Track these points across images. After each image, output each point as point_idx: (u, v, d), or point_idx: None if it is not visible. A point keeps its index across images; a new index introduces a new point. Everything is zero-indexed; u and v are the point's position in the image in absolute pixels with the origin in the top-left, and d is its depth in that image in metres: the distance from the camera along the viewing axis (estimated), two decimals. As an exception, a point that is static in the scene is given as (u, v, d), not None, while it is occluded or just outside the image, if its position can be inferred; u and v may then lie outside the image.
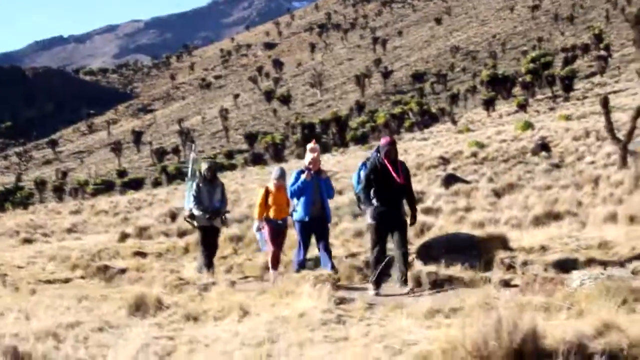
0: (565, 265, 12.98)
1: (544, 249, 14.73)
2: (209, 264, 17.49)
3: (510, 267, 13.66)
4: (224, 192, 18.41)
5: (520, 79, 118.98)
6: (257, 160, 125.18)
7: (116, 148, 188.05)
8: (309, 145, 16.00)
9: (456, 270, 13.44)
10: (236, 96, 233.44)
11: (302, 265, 15.51)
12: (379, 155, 13.71)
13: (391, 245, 13.69)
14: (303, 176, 15.45)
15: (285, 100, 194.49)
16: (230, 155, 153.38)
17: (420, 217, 17.56)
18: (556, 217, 21.60)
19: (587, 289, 9.94)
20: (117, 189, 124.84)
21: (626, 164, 32.56)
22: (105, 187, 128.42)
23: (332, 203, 17.68)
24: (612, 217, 19.46)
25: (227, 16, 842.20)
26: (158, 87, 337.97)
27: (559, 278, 11.55)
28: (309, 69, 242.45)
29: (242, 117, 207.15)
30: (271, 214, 16.60)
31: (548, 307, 8.15)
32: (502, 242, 15.14)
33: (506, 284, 12.46)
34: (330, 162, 66.83)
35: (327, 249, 15.45)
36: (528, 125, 64.12)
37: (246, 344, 7.62)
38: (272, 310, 9.41)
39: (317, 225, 15.53)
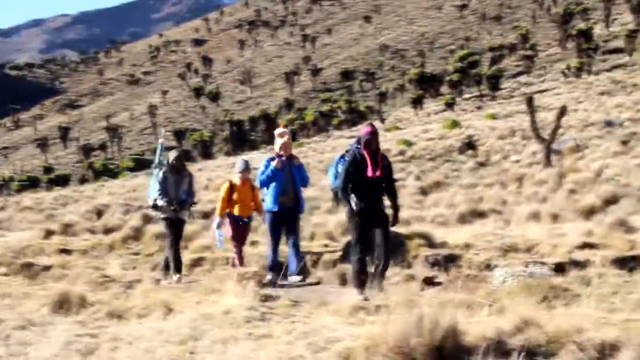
0: (489, 263, 13.15)
1: (468, 246, 14.90)
2: (176, 262, 15.79)
3: (434, 264, 13.80)
4: (192, 184, 16.79)
5: (447, 78, 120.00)
6: (185, 157, 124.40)
7: (42, 144, 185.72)
8: (278, 130, 14.82)
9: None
10: (165, 92, 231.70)
11: (275, 264, 14.15)
12: (359, 146, 12.50)
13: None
14: (273, 164, 14.25)
15: (214, 97, 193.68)
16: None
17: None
18: (481, 215, 21.91)
19: (509, 286, 10.12)
20: (43, 186, 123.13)
21: (550, 162, 33.04)
22: (30, 184, 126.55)
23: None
24: (536, 216, 19.76)
25: (156, 12, 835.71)
26: (85, 82, 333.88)
27: (482, 276, 11.73)
28: (238, 66, 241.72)
29: (171, 113, 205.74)
30: (236, 210, 15.45)
31: (470, 305, 8.25)
32: (427, 240, 15.28)
33: (430, 281, 12.59)
34: (257, 159, 66.66)
35: (296, 245, 14.25)
36: (455, 124, 64.76)
37: (170, 341, 7.59)
38: (197, 308, 9.36)
39: (288, 217, 14.31)
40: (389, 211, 12.39)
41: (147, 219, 23.94)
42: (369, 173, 12.12)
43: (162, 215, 16.22)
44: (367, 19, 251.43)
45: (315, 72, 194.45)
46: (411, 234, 15.50)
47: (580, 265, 12.38)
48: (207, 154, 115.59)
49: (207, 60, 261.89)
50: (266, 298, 10.43)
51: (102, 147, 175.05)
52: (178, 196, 16.13)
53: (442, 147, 50.44)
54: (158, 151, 17.01)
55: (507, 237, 15.49)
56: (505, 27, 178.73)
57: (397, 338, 5.88)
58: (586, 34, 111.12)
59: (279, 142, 14.52)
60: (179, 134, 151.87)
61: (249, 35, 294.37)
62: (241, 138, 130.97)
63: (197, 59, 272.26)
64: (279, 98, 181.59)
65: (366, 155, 12.18)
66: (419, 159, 45.89)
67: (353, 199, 12.15)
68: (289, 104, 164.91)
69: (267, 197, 14.37)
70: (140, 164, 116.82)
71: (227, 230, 15.57)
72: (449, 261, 13.75)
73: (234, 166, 17.14)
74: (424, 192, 30.25)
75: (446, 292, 10.05)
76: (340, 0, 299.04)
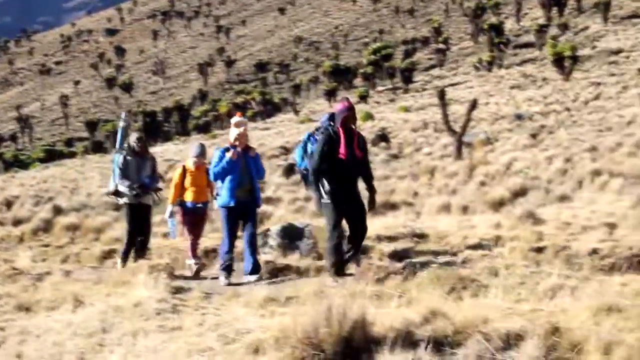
0: (400, 255, 13.26)
1: (380, 238, 14.99)
2: (129, 250, 15.27)
3: (346, 256, 13.84)
4: (155, 167, 16.07)
5: (361, 71, 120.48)
6: (97, 148, 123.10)
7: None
8: (234, 119, 13.78)
9: (293, 259, 13.58)
10: (77, 83, 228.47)
11: (229, 261, 13.06)
12: (332, 123, 11.83)
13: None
14: (228, 155, 13.20)
15: (127, 87, 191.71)
16: (69, 143, 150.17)
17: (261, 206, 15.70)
18: (393, 206, 22.07)
19: (419, 277, 10.21)
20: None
21: (461, 155, 33.42)
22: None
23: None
24: (446, 207, 20.01)
25: (68, 1, 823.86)
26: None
27: (392, 267, 11.80)
28: (152, 57, 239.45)
29: (83, 104, 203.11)
30: (188, 196, 14.85)
31: (380, 296, 8.32)
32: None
33: (341, 272, 12.64)
34: (171, 150, 66.29)
35: (253, 242, 13.17)
36: (368, 116, 65.11)
37: (79, 334, 7.52)
38: (107, 300, 9.28)
39: (244, 212, 13.30)
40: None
41: (57, 211, 23.66)
42: (343, 153, 11.54)
43: (124, 201, 15.51)
44: (282, 10, 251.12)
45: (230, 63, 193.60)
46: (324, 226, 15.55)
47: (488, 256, 12.55)
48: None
49: (120, 51, 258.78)
50: (177, 290, 10.38)
51: (13, 137, 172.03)
52: (140, 180, 15.42)
53: (357, 139, 50.55)
54: (119, 135, 16.24)
55: (418, 229, 15.63)
56: (418, 21, 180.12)
57: (307, 329, 5.90)
58: (498, 29, 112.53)
59: (234, 132, 13.58)
60: (91, 125, 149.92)
61: (162, 26, 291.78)
62: (155, 129, 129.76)
63: (110, 49, 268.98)
64: (192, 89, 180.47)
65: (342, 133, 11.59)
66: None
67: (325, 185, 11.62)
68: (202, 95, 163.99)
69: (222, 191, 13.34)
70: (52, 155, 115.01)
71: (180, 218, 15.09)
72: (361, 252, 13.81)
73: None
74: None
75: (357, 283, 10.09)
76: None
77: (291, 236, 14.67)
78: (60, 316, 8.57)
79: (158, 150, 69.98)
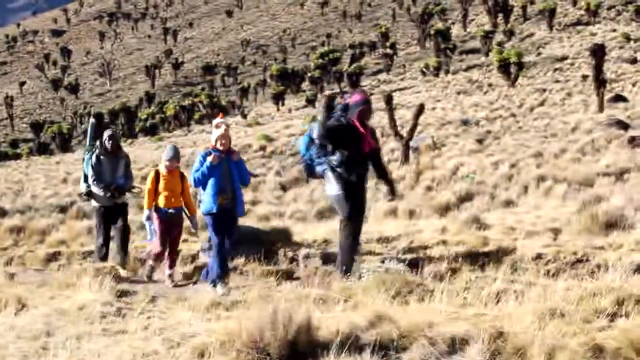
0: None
1: (326, 242, 15.00)
2: (100, 251, 14.62)
3: (292, 260, 13.86)
4: (129, 166, 15.33)
5: (309, 74, 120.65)
6: (42, 150, 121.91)
7: None
8: (215, 120, 12.98)
9: (240, 262, 13.55)
10: (22, 84, 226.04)
11: (224, 273, 12.28)
12: (345, 114, 11.30)
13: None
14: (209, 159, 12.39)
15: (73, 89, 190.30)
16: (15, 144, 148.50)
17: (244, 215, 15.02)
18: (340, 211, 22.01)
19: (365, 281, 10.23)
20: None
21: (408, 160, 33.56)
22: None
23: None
24: (393, 212, 20.01)
25: (13, 1, 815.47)
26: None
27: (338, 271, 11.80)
28: (98, 58, 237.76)
29: (28, 105, 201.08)
30: (161, 201, 13.89)
31: (326, 300, 8.32)
32: (286, 236, 15.34)
33: (288, 276, 12.65)
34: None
35: (229, 252, 12.76)
36: (315, 120, 65.13)
37: (22, 337, 7.42)
38: (51, 303, 9.19)
39: (225, 220, 12.60)
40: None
41: (1, 213, 23.36)
42: (369, 144, 11.22)
43: (97, 204, 14.79)
44: (229, 13, 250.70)
45: (177, 65, 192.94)
46: (270, 229, 15.53)
47: (434, 260, 12.62)
48: (65, 147, 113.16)
49: (66, 52, 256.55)
50: (123, 293, 10.31)
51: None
52: (115, 180, 14.79)
53: (302, 143, 50.65)
54: (89, 132, 15.53)
55: (364, 233, 15.64)
56: (365, 25, 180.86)
57: (252, 333, 5.89)
58: (444, 34, 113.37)
59: (215, 133, 12.78)
60: (37, 127, 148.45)
61: (109, 27, 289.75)
62: (101, 131, 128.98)
63: (55, 50, 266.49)
64: (139, 91, 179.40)
65: (358, 126, 11.19)
66: (280, 155, 46.02)
67: (336, 177, 11.19)
68: (149, 98, 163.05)
69: (205, 197, 12.60)
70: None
71: (156, 224, 14.13)
72: (308, 257, 13.81)
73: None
74: (283, 187, 30.37)
75: (303, 287, 10.08)
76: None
77: (239, 240, 14.63)
78: (3, 319, 8.45)
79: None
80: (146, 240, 15.54)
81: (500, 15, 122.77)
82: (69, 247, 16.78)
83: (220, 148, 12.65)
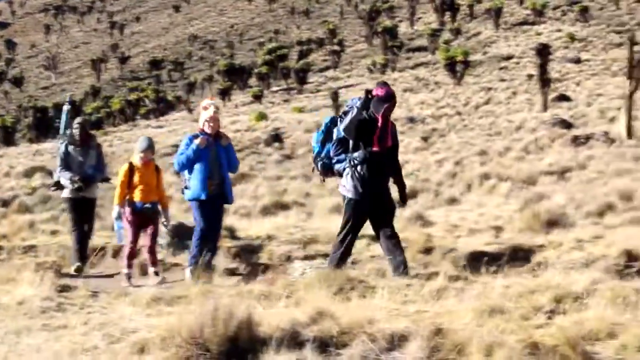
0: (289, 255, 13.31)
1: (270, 238, 15.03)
2: (79, 249, 13.74)
3: (236, 255, 13.84)
4: (101, 157, 14.41)
5: (256, 70, 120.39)
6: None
7: None
8: (204, 101, 12.50)
9: (183, 258, 13.51)
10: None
11: (199, 256, 11.63)
12: (367, 110, 10.53)
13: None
14: (197, 141, 11.84)
15: (18, 82, 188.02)
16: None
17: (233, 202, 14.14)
18: (284, 207, 22.12)
19: (308, 278, 10.24)
20: None
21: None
22: None
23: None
24: (337, 208, 20.04)
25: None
26: None
27: (282, 267, 11.84)
28: (44, 51, 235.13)
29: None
30: (136, 196, 13.11)
31: (268, 296, 8.32)
32: (230, 231, 15.32)
33: (232, 272, 12.64)
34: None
35: (215, 244, 12.28)
36: (262, 116, 65.18)
37: (-41, 332, 7.36)
38: (-10, 299, 9.09)
39: (212, 208, 12.07)
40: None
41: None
42: (382, 144, 10.47)
43: (65, 195, 13.97)
44: (177, 8, 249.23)
45: (123, 60, 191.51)
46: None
47: (377, 257, 12.67)
48: (9, 141, 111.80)
49: (10, 44, 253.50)
50: (64, 288, 10.21)
51: None
52: (84, 172, 13.85)
53: (249, 138, 50.71)
54: (62, 121, 14.67)
55: (309, 230, 15.69)
56: (313, 22, 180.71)
57: (192, 329, 5.87)
58: (392, 32, 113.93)
59: (204, 115, 12.22)
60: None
61: (54, 20, 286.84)
62: (46, 125, 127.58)
63: (0, 42, 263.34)
64: (85, 85, 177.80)
65: (380, 121, 10.45)
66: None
67: (350, 178, 10.40)
68: (95, 92, 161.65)
69: (192, 182, 11.99)
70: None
71: (126, 221, 13.28)
72: (251, 252, 13.81)
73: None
74: (229, 183, 30.31)
75: (246, 283, 10.08)
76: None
77: (181, 235, 14.60)
78: (-60, 314, 8.36)
79: (48, 146, 68.77)
80: (119, 241, 14.15)
81: (448, 14, 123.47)
82: (10, 242, 16.52)
83: (209, 131, 12.12)
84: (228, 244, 14.40)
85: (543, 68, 51.14)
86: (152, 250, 13.14)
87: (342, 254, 10.62)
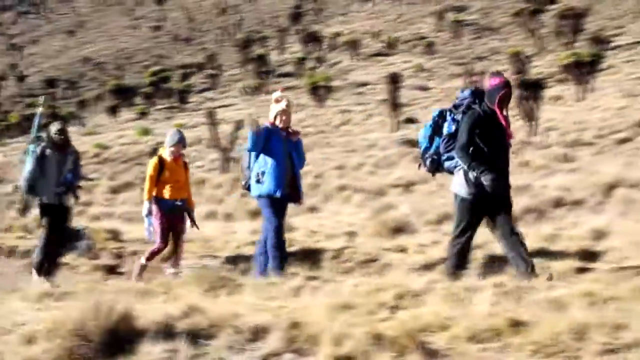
0: (167, 256, 13.22)
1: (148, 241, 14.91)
2: (49, 261, 11.83)
3: (119, 256, 13.69)
4: (78, 162, 12.44)
5: (142, 90, 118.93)
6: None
7: None
8: (276, 94, 10.54)
9: (71, 258, 13.29)
10: None
11: (282, 258, 10.21)
12: (483, 102, 8.95)
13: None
14: (254, 130, 9.96)
15: None
16: None
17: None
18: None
19: (183, 277, 10.20)
20: None
21: (227, 169, 33.59)
22: None
23: None
24: (213, 215, 20.04)
25: None
26: None
27: (160, 267, 11.75)
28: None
29: None
30: (166, 192, 11.71)
31: (147, 293, 8.26)
32: (114, 234, 15.17)
33: (115, 271, 12.50)
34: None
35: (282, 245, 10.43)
36: (146, 131, 64.50)
37: None
38: None
39: (282, 205, 10.37)
40: None
41: None
42: (508, 134, 9.00)
43: (41, 201, 11.96)
44: (71, 32, 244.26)
45: (21, 78, 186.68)
46: (99, 228, 15.31)
47: (247, 258, 12.71)
48: None
49: None
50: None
51: None
52: (63, 177, 11.98)
53: (134, 151, 50.08)
54: (36, 122, 12.81)
55: (186, 233, 15.63)
56: (194, 48, 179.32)
57: (76, 321, 5.80)
58: (263, 59, 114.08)
59: (275, 108, 10.38)
60: None
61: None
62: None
63: None
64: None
65: (499, 113, 8.86)
66: (113, 161, 45.22)
67: (471, 178, 8.81)
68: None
69: (266, 178, 10.12)
70: None
71: (156, 218, 11.78)
72: (133, 253, 13.68)
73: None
74: (114, 191, 29.87)
75: (127, 281, 9.97)
76: (44, 15, 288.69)
77: (69, 238, 14.33)
78: None
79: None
80: (149, 238, 12.42)
81: (312, 45, 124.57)
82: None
83: (280, 125, 10.36)
84: (112, 246, 14.23)
85: (394, 94, 52.02)
86: (178, 250, 11.93)
87: (460, 256, 9.10)
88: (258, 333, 5.92)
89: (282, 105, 10.20)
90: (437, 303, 6.68)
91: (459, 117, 9.02)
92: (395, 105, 51.83)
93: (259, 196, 10.20)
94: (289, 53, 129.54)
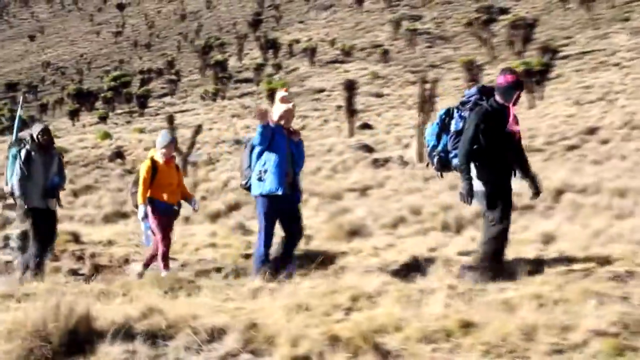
0: (127, 258, 13.14)
1: (111, 243, 14.82)
2: (40, 262, 11.38)
3: (80, 258, 13.56)
4: (62, 165, 12.07)
5: (102, 95, 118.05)
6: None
7: None
8: (281, 93, 10.13)
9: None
10: None
11: (264, 261, 9.69)
12: (491, 100, 8.73)
13: None
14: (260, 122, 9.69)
15: None
16: None
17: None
18: (124, 215, 21.80)
19: (143, 278, 10.15)
20: None
21: (186, 173, 33.43)
22: None
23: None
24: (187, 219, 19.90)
25: None
26: None
27: (120, 269, 11.67)
28: None
29: None
30: (163, 197, 11.25)
31: (107, 294, 8.20)
32: (75, 236, 15.02)
33: (75, 272, 12.38)
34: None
35: (294, 245, 10.23)
36: (107, 135, 64.05)
37: None
38: None
39: (287, 206, 9.91)
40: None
41: None
42: (516, 132, 8.71)
43: (28, 205, 11.41)
44: (32, 37, 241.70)
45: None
46: (60, 231, 15.13)
47: (205, 261, 12.67)
48: None
49: None
50: None
51: None
52: (50, 180, 11.57)
53: (94, 155, 49.65)
54: (16, 124, 12.28)
55: (143, 236, 15.53)
56: (154, 54, 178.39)
57: (36, 322, 5.75)
58: (222, 65, 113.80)
59: (281, 108, 10.06)
60: None
61: None
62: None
63: None
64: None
65: (511, 109, 8.59)
66: (74, 165, 44.73)
67: (464, 180, 8.58)
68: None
69: (268, 177, 9.70)
70: None
71: (153, 221, 11.29)
72: (93, 255, 13.56)
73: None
74: (75, 194, 29.57)
75: (87, 282, 9.88)
76: (6, 20, 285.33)
77: (26, 239, 14.18)
78: None
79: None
80: (145, 244, 12.03)
81: (271, 51, 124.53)
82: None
83: (284, 125, 10.10)
84: (72, 248, 14.09)
85: (350, 100, 52.18)
86: (167, 253, 11.27)
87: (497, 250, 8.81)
88: (216, 334, 5.90)
89: (289, 105, 10.04)
90: (391, 305, 6.69)
91: (466, 113, 8.84)
92: (351, 111, 51.99)
93: (260, 195, 9.80)
94: (248, 59, 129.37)
